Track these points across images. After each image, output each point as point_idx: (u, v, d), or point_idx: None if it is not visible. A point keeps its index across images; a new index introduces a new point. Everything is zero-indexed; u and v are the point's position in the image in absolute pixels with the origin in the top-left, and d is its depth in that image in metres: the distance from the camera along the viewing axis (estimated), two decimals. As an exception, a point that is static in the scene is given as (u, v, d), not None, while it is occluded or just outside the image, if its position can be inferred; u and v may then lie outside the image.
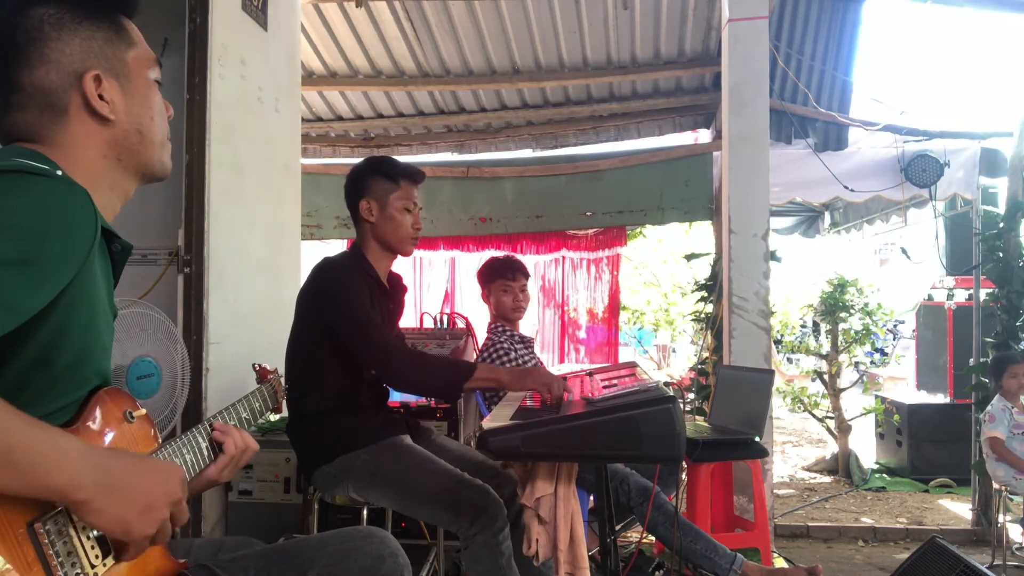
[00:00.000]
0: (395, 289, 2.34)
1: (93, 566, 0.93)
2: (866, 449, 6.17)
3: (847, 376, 6.30)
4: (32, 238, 0.88)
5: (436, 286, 5.77)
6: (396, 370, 2.03)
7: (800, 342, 6.68)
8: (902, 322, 7.95)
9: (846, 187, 4.47)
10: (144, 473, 0.93)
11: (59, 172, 0.98)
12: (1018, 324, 4.25)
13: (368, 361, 2.05)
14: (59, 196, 0.94)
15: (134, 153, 1.10)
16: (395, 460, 2.07)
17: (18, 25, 1.03)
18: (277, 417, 2.89)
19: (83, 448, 0.89)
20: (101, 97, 1.05)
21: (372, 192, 2.20)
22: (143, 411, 1.09)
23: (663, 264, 9.66)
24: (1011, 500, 3.97)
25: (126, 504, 0.90)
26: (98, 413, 1.01)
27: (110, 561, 0.96)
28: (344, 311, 2.06)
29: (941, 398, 6.00)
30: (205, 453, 1.18)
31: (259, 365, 1.58)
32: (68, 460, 0.85)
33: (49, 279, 0.90)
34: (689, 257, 5.48)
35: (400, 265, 2.53)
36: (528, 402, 2.00)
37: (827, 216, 6.41)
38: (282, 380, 1.60)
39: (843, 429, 5.86)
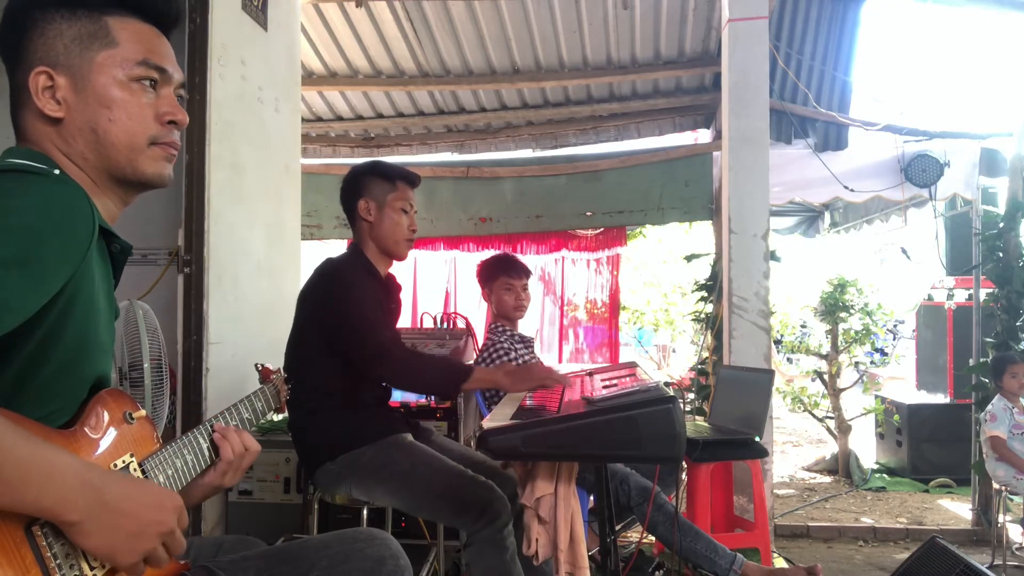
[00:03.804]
0: (393, 289, 2.36)
1: (92, 568, 0.92)
2: (866, 449, 6.17)
3: (847, 376, 6.29)
4: (29, 237, 0.88)
5: (436, 286, 5.77)
6: (397, 370, 2.07)
7: (800, 342, 6.68)
8: (902, 322, 7.94)
9: (846, 187, 4.47)
10: (138, 500, 0.92)
11: (56, 171, 0.98)
12: (1018, 324, 4.26)
13: (368, 358, 2.07)
14: (56, 195, 0.93)
15: (96, 151, 1.06)
16: (399, 457, 2.08)
17: (20, 23, 1.05)
18: (280, 417, 2.89)
19: (78, 468, 0.88)
20: (54, 96, 1.04)
21: (370, 192, 2.24)
22: (143, 412, 1.08)
23: (663, 264, 9.66)
24: (1011, 500, 3.97)
25: (114, 530, 0.89)
26: (97, 414, 1.01)
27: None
28: (353, 308, 2.09)
29: (941, 398, 6.00)
30: (206, 454, 1.17)
31: (262, 365, 1.57)
32: (60, 479, 0.85)
33: (47, 278, 0.89)
34: (689, 257, 5.47)
35: (399, 265, 2.55)
36: (528, 402, 2.00)
37: (827, 216, 6.40)
38: (285, 380, 1.59)
39: (843, 429, 5.86)
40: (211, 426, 1.20)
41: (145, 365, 2.42)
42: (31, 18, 1.04)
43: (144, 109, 1.08)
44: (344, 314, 2.08)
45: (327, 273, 2.19)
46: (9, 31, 1.06)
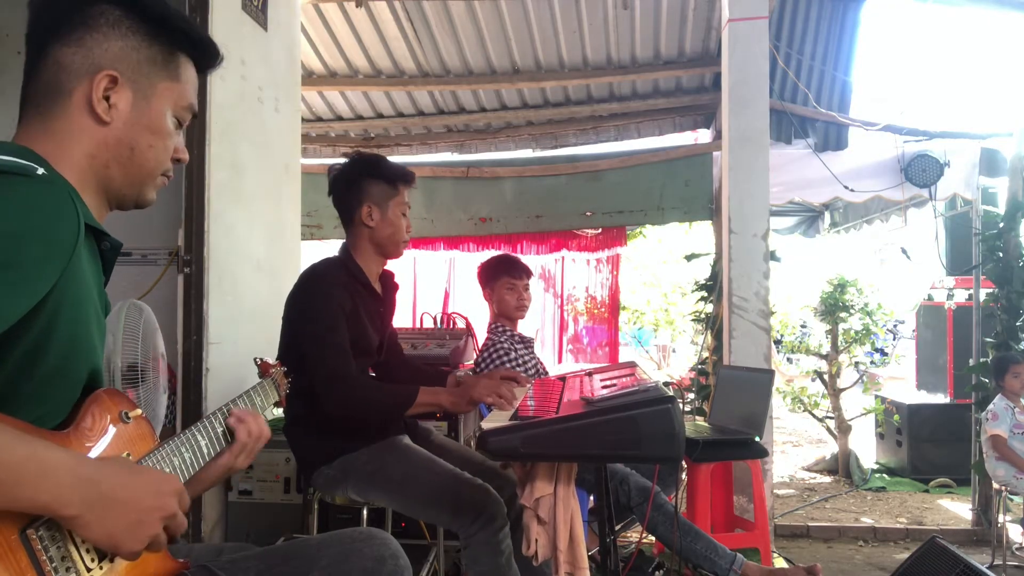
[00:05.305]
0: (386, 288, 2.33)
1: (89, 570, 0.92)
2: (866, 449, 6.17)
3: (847, 376, 6.29)
4: (10, 242, 0.86)
5: (436, 286, 5.77)
6: (338, 398, 1.99)
7: (800, 342, 6.68)
8: (902, 322, 7.94)
9: (846, 187, 4.47)
10: (136, 487, 0.92)
11: (40, 171, 0.95)
12: (1018, 324, 4.25)
13: (316, 383, 1.99)
14: (38, 198, 0.92)
15: (122, 166, 1.08)
16: (395, 460, 2.08)
17: (81, 8, 1.06)
18: (279, 412, 2.89)
19: (72, 461, 0.87)
20: (108, 99, 1.05)
21: (372, 197, 2.18)
22: (139, 411, 1.08)
23: (663, 264, 9.66)
24: (1011, 500, 3.97)
25: (115, 519, 0.89)
26: (93, 414, 1.01)
27: (107, 564, 0.95)
28: (311, 328, 2.04)
29: (941, 398, 6.00)
30: (220, 439, 1.20)
31: (261, 359, 1.57)
32: (54, 475, 0.84)
33: (31, 283, 0.88)
34: (689, 257, 5.47)
35: (399, 265, 2.53)
36: (529, 402, 2.00)
37: (827, 216, 6.40)
38: (285, 374, 1.59)
39: (843, 429, 5.86)
40: (210, 423, 1.20)
41: (119, 360, 2.41)
42: (113, 18, 1.06)
43: (171, 146, 1.15)
44: (304, 335, 2.05)
45: (303, 285, 2.15)
46: (86, 16, 1.05)
